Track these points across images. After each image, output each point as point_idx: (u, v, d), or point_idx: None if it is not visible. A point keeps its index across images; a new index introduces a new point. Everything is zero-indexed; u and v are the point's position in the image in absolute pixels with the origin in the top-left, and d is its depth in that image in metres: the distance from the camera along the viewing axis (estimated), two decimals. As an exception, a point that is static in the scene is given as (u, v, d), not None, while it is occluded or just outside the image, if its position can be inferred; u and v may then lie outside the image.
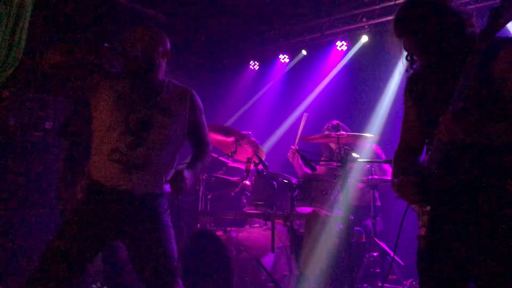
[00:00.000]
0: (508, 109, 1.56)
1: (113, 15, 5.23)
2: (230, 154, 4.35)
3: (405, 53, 1.87)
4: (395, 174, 1.96)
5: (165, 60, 2.40)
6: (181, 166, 2.30)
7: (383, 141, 4.19)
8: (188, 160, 2.40)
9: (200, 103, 2.45)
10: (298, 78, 6.07)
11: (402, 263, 3.55)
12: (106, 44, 2.12)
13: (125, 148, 2.19)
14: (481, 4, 4.56)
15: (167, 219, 2.30)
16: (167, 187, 2.31)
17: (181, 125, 2.34)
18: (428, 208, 1.76)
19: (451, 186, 1.67)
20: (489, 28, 1.52)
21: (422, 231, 1.79)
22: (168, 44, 2.40)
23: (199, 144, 2.44)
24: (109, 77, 2.30)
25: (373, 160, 3.97)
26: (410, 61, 1.85)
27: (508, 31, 4.21)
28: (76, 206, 2.28)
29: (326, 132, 4.18)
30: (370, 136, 3.84)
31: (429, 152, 1.73)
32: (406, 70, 1.90)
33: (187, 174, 2.19)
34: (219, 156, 4.40)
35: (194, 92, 2.45)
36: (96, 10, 5.03)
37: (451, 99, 1.57)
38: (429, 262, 1.74)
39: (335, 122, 4.24)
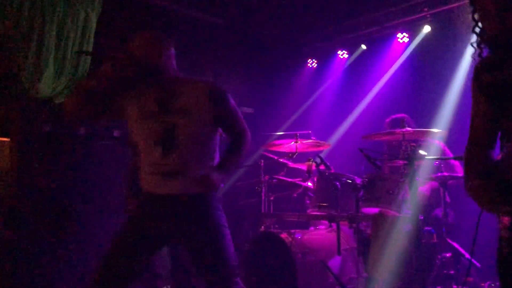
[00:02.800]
0: None
1: (171, 24, 5.36)
2: (290, 155, 4.32)
3: (472, 39, 1.74)
4: (467, 174, 1.83)
5: (173, 59, 2.36)
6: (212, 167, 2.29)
7: (451, 136, 3.97)
8: (223, 155, 2.37)
9: (222, 92, 2.35)
10: (358, 73, 5.89)
11: (478, 265, 3.34)
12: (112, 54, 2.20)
13: (159, 159, 2.23)
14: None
15: (220, 218, 2.28)
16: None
17: (205, 121, 2.29)
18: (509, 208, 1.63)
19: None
20: None
21: (505, 234, 1.65)
22: (170, 44, 2.36)
23: (233, 134, 2.40)
24: (130, 92, 2.35)
25: (440, 157, 3.78)
26: (479, 46, 1.72)
27: None
28: (130, 213, 2.37)
29: (389, 127, 4.05)
30: (438, 131, 3.64)
31: (504, 150, 1.60)
32: (473, 58, 1.77)
33: (215, 176, 2.19)
34: (279, 158, 4.38)
35: (212, 82, 2.37)
36: (154, 21, 5.19)
37: None
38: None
39: (400, 115, 4.08)
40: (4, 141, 4.77)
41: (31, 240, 4.05)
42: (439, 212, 3.71)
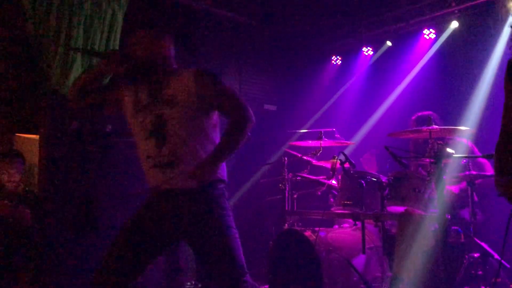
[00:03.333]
0: None
1: (196, 22, 5.40)
2: (314, 152, 4.29)
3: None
4: (499, 170, 1.78)
5: (170, 54, 2.38)
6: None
7: (480, 134, 3.89)
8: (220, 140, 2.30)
9: (209, 74, 2.29)
10: (383, 70, 5.82)
11: (507, 266, 3.27)
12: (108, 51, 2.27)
13: (152, 151, 2.24)
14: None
15: (224, 218, 2.21)
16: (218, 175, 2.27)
17: (195, 108, 2.24)
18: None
19: None
20: None
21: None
22: (167, 41, 2.38)
23: (229, 115, 2.29)
24: (127, 86, 2.38)
25: (468, 155, 3.69)
26: None
27: None
28: (136, 210, 2.36)
29: (415, 125, 3.99)
30: (466, 129, 3.57)
31: None
32: None
33: (205, 168, 2.14)
34: (303, 155, 4.36)
35: (199, 68, 2.31)
36: (179, 19, 5.22)
37: None
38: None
39: (426, 113, 4.02)
40: (33, 138, 4.88)
41: (57, 233, 4.14)
42: (466, 213, 3.64)
